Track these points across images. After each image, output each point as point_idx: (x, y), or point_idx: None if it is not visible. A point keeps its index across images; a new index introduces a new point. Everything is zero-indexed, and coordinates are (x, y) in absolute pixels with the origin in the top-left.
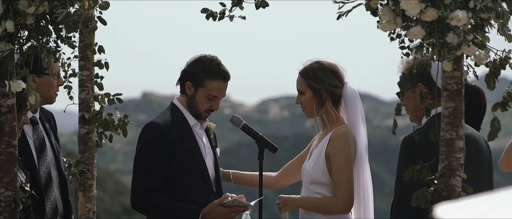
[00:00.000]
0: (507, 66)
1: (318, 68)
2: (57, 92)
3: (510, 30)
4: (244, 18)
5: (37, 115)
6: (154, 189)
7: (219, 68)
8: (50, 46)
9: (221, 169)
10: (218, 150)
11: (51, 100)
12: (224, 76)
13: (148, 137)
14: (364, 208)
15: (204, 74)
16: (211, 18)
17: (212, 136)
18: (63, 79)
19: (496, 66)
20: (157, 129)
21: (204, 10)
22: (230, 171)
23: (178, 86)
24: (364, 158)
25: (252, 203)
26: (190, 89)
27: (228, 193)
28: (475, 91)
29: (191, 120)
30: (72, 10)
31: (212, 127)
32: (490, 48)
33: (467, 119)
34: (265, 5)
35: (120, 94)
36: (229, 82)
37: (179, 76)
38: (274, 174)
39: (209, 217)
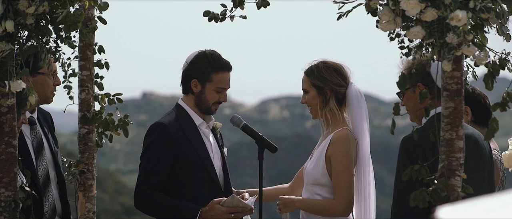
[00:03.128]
0: (506, 68)
1: (322, 67)
2: (54, 92)
3: (508, 30)
4: (245, 17)
5: (35, 115)
6: (155, 188)
7: (222, 60)
8: (50, 46)
9: (234, 189)
10: (225, 149)
11: (47, 100)
12: (227, 67)
13: (153, 137)
14: (364, 209)
15: (210, 68)
16: (213, 20)
17: (218, 136)
18: (63, 79)
19: (495, 67)
20: (162, 129)
21: (206, 13)
22: (245, 190)
23: (182, 87)
24: (367, 159)
25: (252, 202)
26: (197, 86)
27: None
28: (471, 94)
29: (197, 119)
30: (72, 10)
31: (218, 126)
32: (489, 49)
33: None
34: (266, 4)
35: (120, 94)
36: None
37: (182, 76)
38: (286, 185)
39: (207, 214)
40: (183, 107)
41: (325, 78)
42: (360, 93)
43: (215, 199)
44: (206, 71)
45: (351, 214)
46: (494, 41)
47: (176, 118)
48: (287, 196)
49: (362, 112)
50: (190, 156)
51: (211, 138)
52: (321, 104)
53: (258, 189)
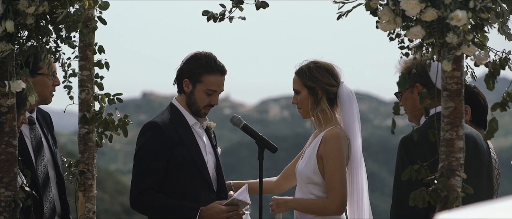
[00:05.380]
0: (507, 67)
1: (313, 67)
2: (53, 92)
3: (510, 29)
4: (244, 18)
5: (34, 115)
6: (152, 189)
7: (215, 62)
8: (50, 46)
9: (232, 182)
10: (219, 149)
11: (46, 101)
12: (221, 70)
13: (146, 136)
14: (358, 208)
15: (202, 69)
16: (211, 20)
17: (212, 136)
18: (63, 79)
19: (496, 67)
20: (155, 129)
21: (205, 13)
22: (231, 182)
23: (175, 86)
24: (359, 158)
25: (248, 199)
26: (188, 86)
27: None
28: (475, 94)
29: (191, 120)
30: (72, 10)
31: (212, 126)
32: (490, 48)
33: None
34: (265, 5)
35: (120, 94)
36: (229, 83)
37: (175, 75)
38: (274, 179)
39: (207, 212)
40: (176, 107)
41: (317, 78)
42: (351, 93)
43: (217, 201)
44: (197, 72)
45: (344, 214)
46: (495, 41)
47: (170, 117)
48: (280, 197)
49: (353, 111)
50: (184, 157)
51: (205, 138)
52: (313, 105)
53: (244, 181)
